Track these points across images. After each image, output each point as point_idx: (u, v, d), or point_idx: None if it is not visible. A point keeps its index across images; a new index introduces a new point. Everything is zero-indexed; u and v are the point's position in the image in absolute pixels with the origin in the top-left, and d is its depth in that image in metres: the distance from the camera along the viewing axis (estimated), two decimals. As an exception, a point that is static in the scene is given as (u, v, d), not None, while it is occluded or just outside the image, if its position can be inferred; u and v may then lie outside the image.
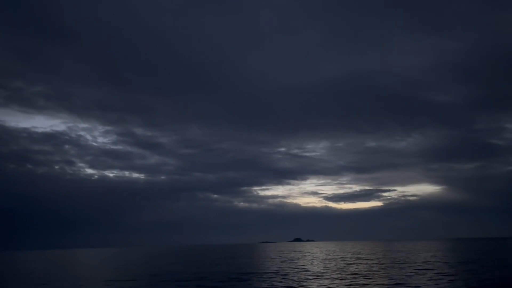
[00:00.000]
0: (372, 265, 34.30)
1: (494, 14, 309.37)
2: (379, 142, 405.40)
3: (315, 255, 61.90)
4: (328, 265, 36.08)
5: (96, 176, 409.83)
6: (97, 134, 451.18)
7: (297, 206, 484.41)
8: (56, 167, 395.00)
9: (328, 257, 53.24)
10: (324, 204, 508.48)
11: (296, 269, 32.14)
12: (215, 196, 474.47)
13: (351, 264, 36.91)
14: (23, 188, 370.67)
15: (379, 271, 28.55)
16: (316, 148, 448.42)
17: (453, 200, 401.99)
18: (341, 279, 23.96)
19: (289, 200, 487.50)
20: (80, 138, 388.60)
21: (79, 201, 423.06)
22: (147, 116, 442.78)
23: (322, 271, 30.02)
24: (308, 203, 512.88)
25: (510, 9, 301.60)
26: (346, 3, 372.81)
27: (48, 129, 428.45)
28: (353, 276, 25.41)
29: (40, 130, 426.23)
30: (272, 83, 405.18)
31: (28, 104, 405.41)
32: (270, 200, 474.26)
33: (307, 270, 30.86)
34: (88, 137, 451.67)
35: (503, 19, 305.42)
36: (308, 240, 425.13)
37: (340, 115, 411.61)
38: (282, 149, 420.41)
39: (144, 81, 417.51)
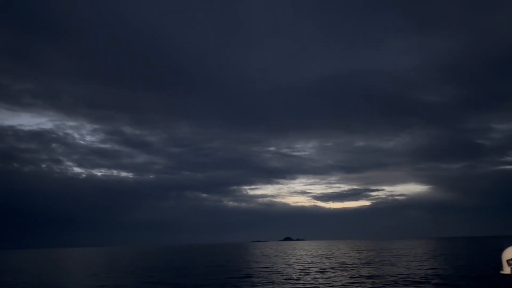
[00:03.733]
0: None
1: (483, 15, 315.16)
2: (367, 141, 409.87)
3: (297, 254, 63.23)
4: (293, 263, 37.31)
5: (84, 175, 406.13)
6: (84, 133, 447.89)
7: (286, 205, 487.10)
8: (43, 165, 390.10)
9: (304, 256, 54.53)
10: (313, 204, 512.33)
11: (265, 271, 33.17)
12: (204, 195, 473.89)
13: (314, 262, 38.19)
14: (9, 187, 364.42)
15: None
16: (305, 148, 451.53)
17: (440, 199, 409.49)
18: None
19: (278, 200, 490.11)
20: (68, 137, 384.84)
21: (66, 200, 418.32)
22: (135, 114, 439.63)
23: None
24: (297, 202, 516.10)
25: (498, 10, 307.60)
26: (337, 3, 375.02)
27: (34, 127, 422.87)
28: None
29: (26, 128, 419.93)
30: (263, 82, 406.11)
31: (14, 101, 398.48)
32: (260, 200, 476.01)
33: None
34: (76, 135, 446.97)
35: (492, 20, 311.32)
36: (298, 239, 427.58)
37: (329, 115, 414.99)
38: (272, 149, 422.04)
39: (133, 79, 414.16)
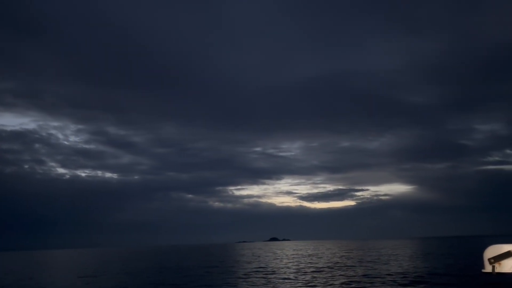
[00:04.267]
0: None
1: (467, 17, 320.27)
2: (352, 142, 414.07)
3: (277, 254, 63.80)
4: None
5: (68, 176, 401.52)
6: (68, 133, 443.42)
7: (272, 205, 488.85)
8: (26, 166, 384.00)
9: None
10: (298, 204, 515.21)
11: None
12: (190, 196, 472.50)
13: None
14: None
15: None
16: (291, 148, 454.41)
17: (425, 199, 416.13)
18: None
19: (264, 200, 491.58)
20: (51, 137, 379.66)
21: (49, 201, 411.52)
22: (120, 114, 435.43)
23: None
24: (282, 202, 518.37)
25: (482, 12, 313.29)
26: (322, 4, 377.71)
27: (17, 127, 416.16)
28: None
29: (8, 128, 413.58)
30: (247, 82, 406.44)
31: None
32: (245, 200, 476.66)
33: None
34: (60, 135, 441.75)
35: (476, 21, 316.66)
36: (284, 240, 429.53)
37: (315, 115, 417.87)
38: (258, 149, 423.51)
39: (118, 79, 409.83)
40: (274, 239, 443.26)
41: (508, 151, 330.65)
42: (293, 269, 32.15)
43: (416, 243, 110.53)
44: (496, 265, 3.75)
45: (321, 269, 30.49)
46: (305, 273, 28.27)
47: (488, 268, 3.84)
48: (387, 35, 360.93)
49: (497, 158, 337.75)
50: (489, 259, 3.80)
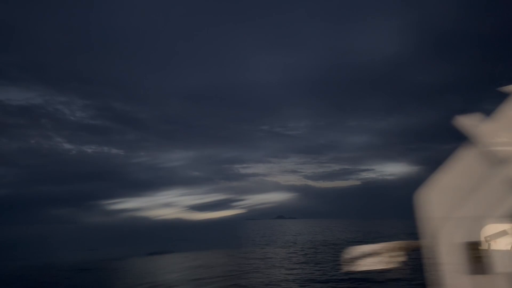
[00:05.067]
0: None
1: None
2: (360, 121, 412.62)
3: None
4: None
5: (74, 152, 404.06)
6: (75, 108, 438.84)
7: (277, 184, 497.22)
8: (32, 141, 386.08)
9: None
10: (303, 183, 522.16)
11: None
12: (196, 173, 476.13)
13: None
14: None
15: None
16: (298, 127, 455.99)
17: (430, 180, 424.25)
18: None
19: (269, 178, 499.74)
20: (57, 112, 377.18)
21: (56, 176, 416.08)
22: (126, 90, 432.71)
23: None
24: (288, 181, 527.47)
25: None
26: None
27: (23, 102, 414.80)
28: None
29: (14, 103, 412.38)
30: (256, 60, 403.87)
31: (0, 74, 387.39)
32: (251, 178, 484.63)
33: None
34: (66, 111, 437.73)
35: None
36: (290, 218, 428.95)
37: (323, 94, 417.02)
38: (265, 127, 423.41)
39: (125, 54, 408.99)
40: (280, 217, 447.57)
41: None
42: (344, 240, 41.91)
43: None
44: (492, 242, 3.74)
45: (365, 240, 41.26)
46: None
47: (484, 246, 3.61)
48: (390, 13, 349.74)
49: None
50: (485, 237, 3.67)
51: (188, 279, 21.65)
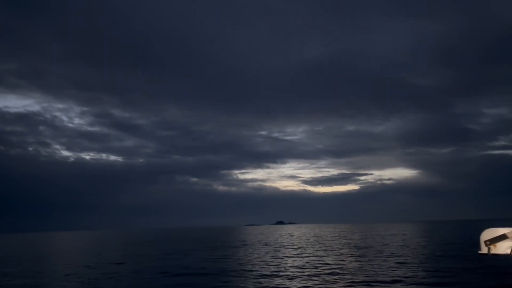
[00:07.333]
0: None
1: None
2: (358, 126, 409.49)
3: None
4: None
5: (72, 159, 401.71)
6: (73, 115, 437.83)
7: (276, 189, 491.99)
8: (30, 148, 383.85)
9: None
10: (302, 188, 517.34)
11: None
12: (194, 179, 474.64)
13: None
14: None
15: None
16: (296, 132, 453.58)
17: (428, 184, 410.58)
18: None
19: (268, 184, 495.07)
20: (56, 119, 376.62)
21: (54, 184, 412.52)
22: (124, 96, 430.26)
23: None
24: (286, 186, 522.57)
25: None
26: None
27: (21, 109, 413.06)
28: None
29: (12, 110, 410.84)
30: (254, 64, 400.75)
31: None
32: (250, 184, 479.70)
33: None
34: (64, 118, 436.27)
35: (487, 3, 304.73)
36: (290, 223, 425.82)
37: (320, 98, 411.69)
38: (263, 133, 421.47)
39: (123, 60, 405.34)
40: (280, 222, 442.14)
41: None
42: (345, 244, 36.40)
43: (422, 226, 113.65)
44: (492, 247, 3.79)
45: (358, 246, 34.95)
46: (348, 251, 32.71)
47: (484, 250, 3.89)
48: (395, 17, 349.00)
49: (503, 143, 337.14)
50: (485, 241, 3.86)
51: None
